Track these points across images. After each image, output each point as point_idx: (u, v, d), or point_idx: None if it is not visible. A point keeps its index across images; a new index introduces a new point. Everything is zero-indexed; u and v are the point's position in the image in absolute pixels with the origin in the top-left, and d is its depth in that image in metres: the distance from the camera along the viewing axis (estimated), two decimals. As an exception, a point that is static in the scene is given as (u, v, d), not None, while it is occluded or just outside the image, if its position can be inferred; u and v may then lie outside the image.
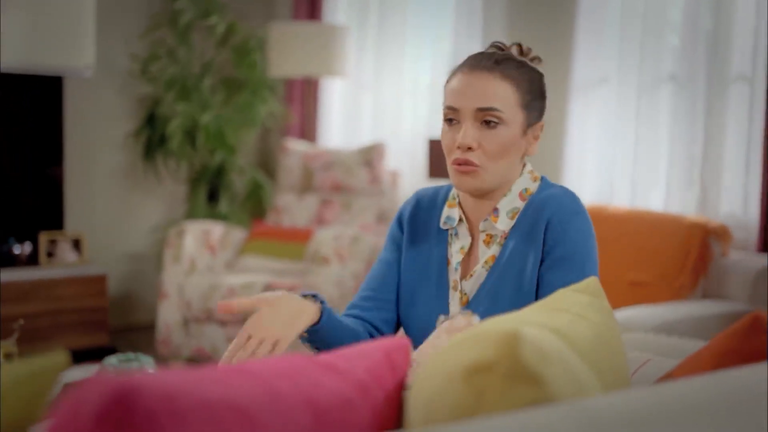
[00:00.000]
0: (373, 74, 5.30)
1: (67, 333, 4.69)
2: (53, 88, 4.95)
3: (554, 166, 4.45)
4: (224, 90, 5.55)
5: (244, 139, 5.64)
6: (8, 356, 2.57)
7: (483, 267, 1.73)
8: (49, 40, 4.66)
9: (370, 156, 4.82)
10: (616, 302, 3.46)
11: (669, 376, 1.32)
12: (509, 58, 1.71)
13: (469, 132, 1.66)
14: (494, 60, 1.69)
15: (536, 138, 1.73)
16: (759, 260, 3.53)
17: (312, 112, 5.44)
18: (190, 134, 5.37)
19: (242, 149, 5.72)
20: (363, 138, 5.33)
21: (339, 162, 4.89)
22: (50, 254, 4.82)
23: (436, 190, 1.87)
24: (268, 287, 4.23)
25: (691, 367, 1.24)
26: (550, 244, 1.64)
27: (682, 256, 3.52)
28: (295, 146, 5.07)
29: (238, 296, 4.24)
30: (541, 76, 1.75)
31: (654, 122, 4.06)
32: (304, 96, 5.47)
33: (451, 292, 1.76)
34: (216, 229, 4.71)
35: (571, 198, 1.69)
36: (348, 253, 4.26)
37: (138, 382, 0.73)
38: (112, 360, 2.53)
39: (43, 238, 4.79)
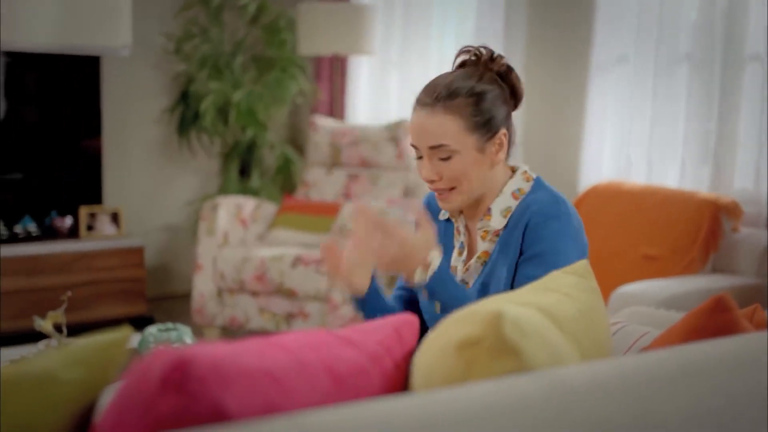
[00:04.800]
0: (400, 52, 5.44)
1: (106, 302, 4.88)
2: (92, 66, 5.15)
3: (574, 143, 4.59)
4: (255, 68, 5.72)
5: (275, 115, 5.81)
6: (57, 326, 2.77)
7: (477, 261, 1.90)
8: (87, 21, 4.85)
9: (397, 132, 4.97)
10: (630, 275, 3.61)
11: (645, 350, 1.49)
12: (458, 82, 1.85)
13: (428, 168, 1.85)
14: (435, 96, 1.83)
15: (500, 145, 1.86)
16: (768, 235, 3.67)
17: (340, 89, 5.60)
18: (223, 111, 5.55)
19: (273, 126, 5.89)
20: (389, 115, 5.47)
21: (366, 138, 5.04)
22: (90, 227, 5.01)
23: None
24: (297, 259, 4.41)
25: (663, 341, 1.41)
26: (527, 243, 1.80)
27: (693, 231, 3.65)
28: (324, 123, 5.22)
29: (269, 268, 4.44)
30: (494, 88, 1.87)
31: (670, 101, 4.18)
32: (332, 74, 5.61)
33: None
34: (248, 204, 4.89)
35: (553, 202, 1.82)
36: (374, 227, 4.42)
37: (192, 353, 0.92)
38: (152, 330, 2.72)
39: (83, 211, 4.98)
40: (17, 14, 4.60)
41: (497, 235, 1.89)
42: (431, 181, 1.86)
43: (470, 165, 1.84)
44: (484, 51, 1.91)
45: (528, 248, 1.80)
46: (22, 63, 5.01)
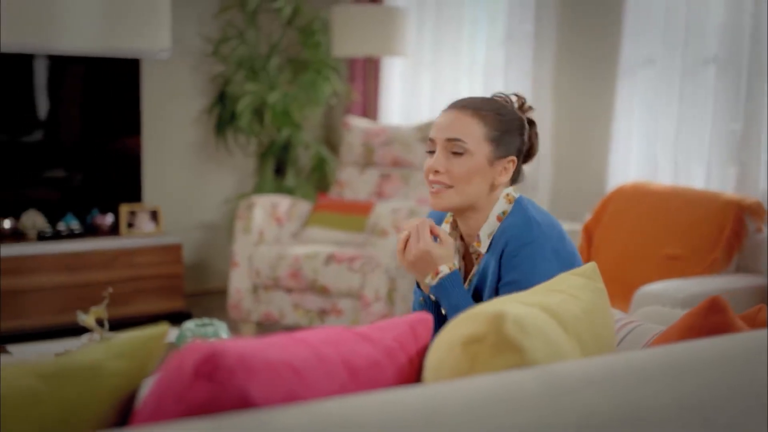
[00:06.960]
0: (432, 54, 5.52)
1: (145, 298, 5.00)
2: (132, 68, 5.29)
3: (602, 144, 4.65)
4: (290, 70, 5.84)
5: (309, 116, 5.92)
6: (98, 320, 2.89)
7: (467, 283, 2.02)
8: (128, 25, 4.99)
9: (428, 133, 5.05)
10: (653, 275, 3.68)
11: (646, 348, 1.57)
12: (490, 102, 1.99)
13: (439, 158, 1.95)
14: (467, 103, 1.98)
15: (506, 170, 1.97)
16: (792, 236, 3.71)
17: (373, 90, 5.70)
18: (259, 112, 5.68)
19: (307, 126, 6.00)
20: (421, 115, 5.56)
21: (398, 138, 5.13)
22: (130, 225, 5.13)
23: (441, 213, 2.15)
24: (330, 257, 4.53)
25: (661, 340, 1.50)
26: (504, 270, 1.90)
27: (716, 231, 3.70)
28: (357, 123, 5.32)
29: (303, 266, 4.55)
30: (522, 121, 2.01)
31: (697, 102, 4.23)
32: (365, 75, 5.72)
33: None
34: (283, 202, 5.00)
35: (526, 226, 1.91)
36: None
37: (222, 347, 1.03)
38: (189, 325, 2.83)
39: (124, 209, 5.11)
40: (61, 19, 4.75)
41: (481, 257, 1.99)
42: (435, 172, 1.95)
43: (476, 171, 1.94)
44: (516, 98, 2.06)
45: (505, 275, 1.90)
46: (66, 65, 5.17)
